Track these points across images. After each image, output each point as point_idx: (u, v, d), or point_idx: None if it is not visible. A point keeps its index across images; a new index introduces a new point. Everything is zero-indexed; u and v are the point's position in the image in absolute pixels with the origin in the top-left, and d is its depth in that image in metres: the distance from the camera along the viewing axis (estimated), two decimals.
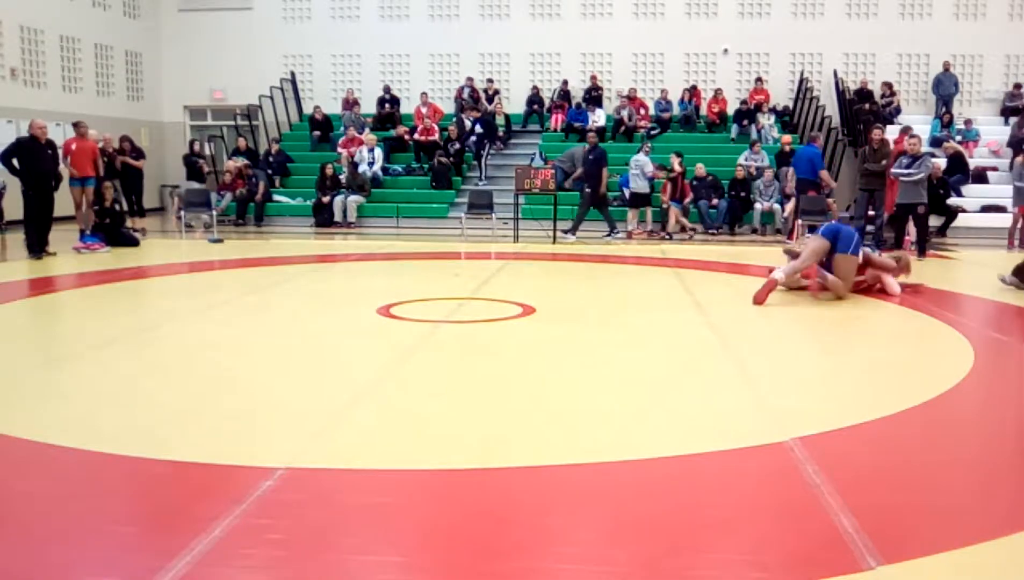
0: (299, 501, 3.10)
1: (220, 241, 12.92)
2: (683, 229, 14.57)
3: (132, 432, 3.88)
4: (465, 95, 18.55)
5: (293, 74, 19.75)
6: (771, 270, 8.02)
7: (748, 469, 3.53)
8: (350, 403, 4.40)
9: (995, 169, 16.48)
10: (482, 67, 19.61)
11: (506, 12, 19.52)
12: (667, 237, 14.19)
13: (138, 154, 14.94)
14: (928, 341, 6.28)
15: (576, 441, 3.84)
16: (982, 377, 5.13)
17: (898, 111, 17.96)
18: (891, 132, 15.30)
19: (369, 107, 18.86)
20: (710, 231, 14.80)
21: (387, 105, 18.76)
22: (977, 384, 4.98)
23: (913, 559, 2.68)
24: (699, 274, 9.72)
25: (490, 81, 19.15)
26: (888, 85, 18.19)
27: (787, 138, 16.52)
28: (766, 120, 17.75)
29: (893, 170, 11.91)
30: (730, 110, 18.37)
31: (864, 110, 17.10)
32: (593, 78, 18.89)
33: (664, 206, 14.67)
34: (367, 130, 17.93)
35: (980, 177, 16.32)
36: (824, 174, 14.38)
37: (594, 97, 18.43)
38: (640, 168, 14.48)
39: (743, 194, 15.11)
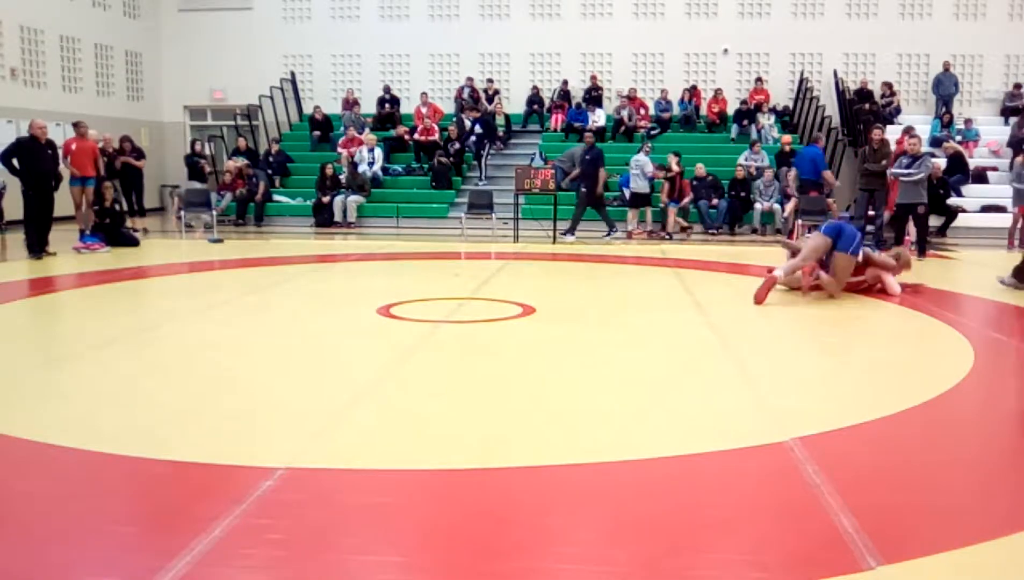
0: (299, 501, 3.10)
1: (220, 241, 12.92)
2: (682, 229, 14.57)
3: (132, 432, 3.88)
4: (465, 95, 18.54)
5: (293, 74, 19.75)
6: (770, 270, 8.03)
7: (748, 469, 3.53)
8: (350, 403, 4.40)
9: (995, 169, 16.48)
10: (482, 67, 19.61)
11: (506, 12, 19.52)
12: (667, 237, 14.19)
13: (138, 154, 14.94)
14: (928, 341, 6.28)
15: (576, 441, 3.84)
16: (982, 377, 5.13)
17: (898, 111, 17.96)
18: (891, 132, 15.29)
19: (369, 107, 18.86)
20: (710, 231, 14.80)
21: (387, 105, 18.76)
22: (977, 384, 4.98)
23: (913, 559, 2.68)
24: (699, 274, 9.72)
25: (490, 81, 19.15)
26: (888, 85, 18.19)
27: (787, 138, 16.52)
28: (766, 120, 17.75)
29: (893, 170, 11.92)
30: (730, 110, 18.37)
31: (864, 110, 17.10)
32: (593, 78, 18.90)
33: (662, 206, 14.68)
34: (367, 130, 17.93)
35: (980, 177, 16.32)
36: (828, 174, 14.41)
37: (594, 97, 18.43)
38: (640, 168, 14.49)
39: (743, 194, 15.11)
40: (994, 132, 17.55)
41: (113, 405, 4.39)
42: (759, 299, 7.46)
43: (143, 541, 2.84)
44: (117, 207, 12.54)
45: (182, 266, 10.49)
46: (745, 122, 17.74)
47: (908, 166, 11.43)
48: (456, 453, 3.66)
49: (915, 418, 4.23)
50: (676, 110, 18.46)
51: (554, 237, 13.34)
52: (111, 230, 11.96)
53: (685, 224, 14.64)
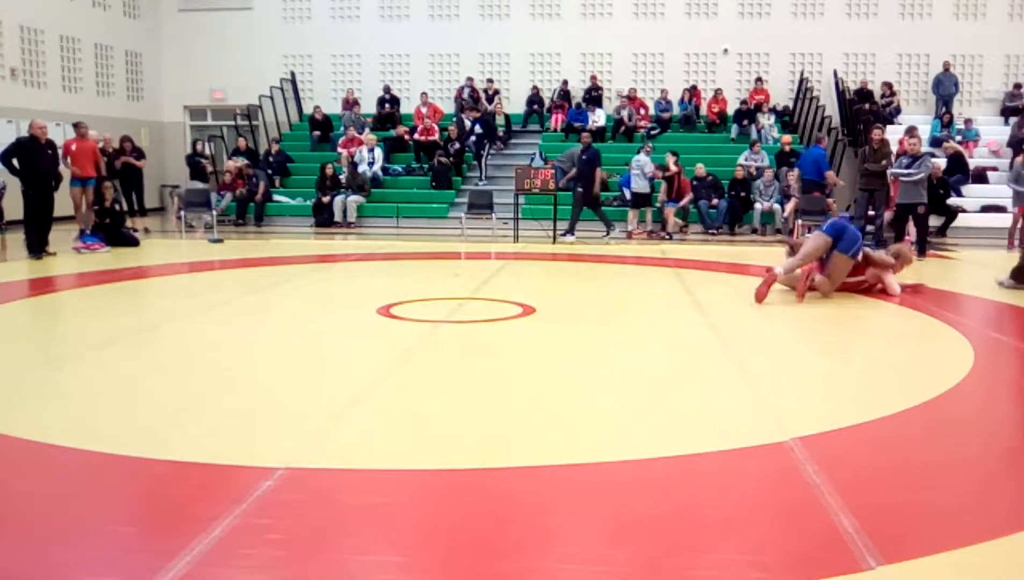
0: (299, 501, 3.10)
1: (220, 241, 12.92)
2: (681, 229, 14.56)
3: (132, 432, 3.88)
4: (465, 95, 18.55)
5: (293, 74, 19.75)
6: (769, 270, 8.02)
7: (748, 469, 3.53)
8: (350, 403, 4.40)
9: (995, 169, 16.48)
10: (482, 67, 19.61)
11: (506, 12, 19.52)
12: (667, 237, 14.19)
13: (139, 154, 14.95)
14: (928, 341, 6.28)
15: (576, 441, 3.84)
16: (982, 377, 5.13)
17: (898, 111, 17.97)
18: (891, 132, 15.29)
19: (369, 107, 18.86)
20: (710, 231, 14.80)
21: (387, 105, 18.76)
22: (977, 384, 4.98)
23: (913, 559, 2.68)
24: (699, 274, 9.72)
25: (490, 81, 19.15)
26: (888, 85, 18.19)
27: (787, 138, 16.53)
28: (766, 120, 17.75)
29: (893, 170, 11.93)
30: (730, 110, 18.37)
31: (864, 110, 17.10)
32: (593, 78, 18.90)
33: (658, 205, 14.67)
34: (367, 130, 17.93)
35: (980, 177, 16.32)
36: (830, 175, 14.46)
37: (594, 97, 18.43)
38: (640, 168, 14.49)
39: (743, 194, 15.11)
40: (994, 132, 17.55)
41: (113, 405, 4.39)
42: (759, 297, 7.47)
43: (143, 541, 2.84)
44: (117, 207, 12.54)
45: (182, 266, 10.49)
46: (745, 122, 17.74)
47: (908, 166, 11.43)
48: (456, 453, 3.66)
49: (915, 418, 4.23)
50: (676, 110, 18.46)
51: (554, 237, 13.34)
52: (111, 230, 11.96)
53: (682, 223, 14.62)
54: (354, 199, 15.75)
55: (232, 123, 18.77)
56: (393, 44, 19.79)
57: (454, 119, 17.76)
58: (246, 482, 3.23)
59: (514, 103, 19.19)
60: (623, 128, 17.90)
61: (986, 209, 15.34)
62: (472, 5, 19.53)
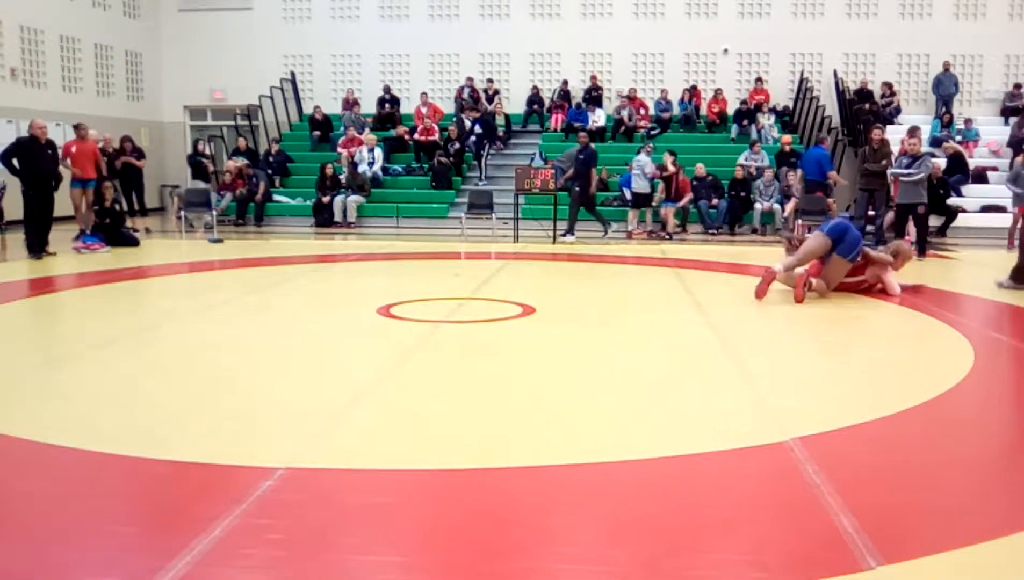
0: (299, 501, 3.10)
1: (220, 241, 12.92)
2: (677, 228, 14.53)
3: (132, 432, 3.88)
4: (465, 95, 18.55)
5: (293, 74, 19.75)
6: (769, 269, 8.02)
7: (748, 469, 3.53)
8: (350, 403, 4.40)
9: (995, 169, 16.48)
10: (482, 67, 19.61)
11: (506, 12, 19.52)
12: (667, 237, 14.19)
13: (139, 154, 14.95)
14: (928, 341, 6.28)
15: (576, 441, 3.84)
16: (982, 377, 5.13)
17: (898, 111, 17.97)
18: (891, 132, 15.29)
19: (369, 107, 18.86)
20: (710, 231, 14.80)
21: (387, 105, 18.76)
22: (977, 384, 4.97)
23: (913, 559, 2.68)
24: (699, 274, 9.72)
25: (490, 81, 19.15)
26: (888, 85, 18.19)
27: (787, 138, 16.53)
28: (766, 120, 17.75)
29: (893, 170, 11.93)
30: (730, 110, 18.37)
31: (864, 110, 17.10)
32: (593, 78, 18.89)
33: (654, 205, 14.66)
34: (367, 130, 17.93)
35: (980, 177, 16.32)
36: (833, 175, 14.48)
37: (594, 97, 18.43)
38: (641, 168, 14.50)
39: (743, 194, 15.11)
40: (994, 132, 17.55)
41: (113, 405, 4.39)
42: (759, 294, 7.49)
43: (143, 541, 2.84)
44: (117, 207, 12.54)
45: (182, 266, 10.49)
46: (745, 122, 17.74)
47: (908, 166, 11.43)
48: (456, 453, 3.66)
49: (915, 418, 4.23)
50: (676, 110, 18.46)
51: (554, 237, 13.34)
52: (111, 230, 11.96)
53: (677, 224, 14.59)
54: (354, 199, 15.75)
55: (232, 123, 18.77)
56: (393, 44, 19.79)
57: (454, 119, 17.76)
58: (246, 482, 3.23)
59: (514, 103, 19.19)
60: (623, 128, 17.90)
61: (986, 209, 15.34)
62: (472, 5, 19.53)
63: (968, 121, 17.66)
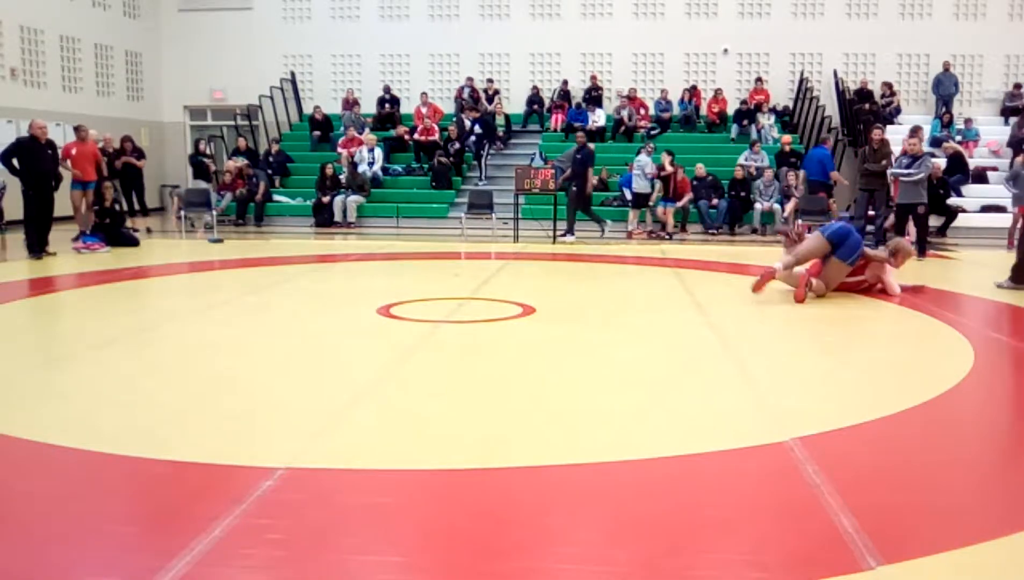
0: (299, 501, 3.10)
1: (220, 241, 12.92)
2: (674, 227, 14.51)
3: (132, 432, 3.88)
4: (465, 95, 18.55)
5: (293, 74, 19.75)
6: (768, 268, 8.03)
7: (748, 469, 3.53)
8: (350, 403, 4.40)
9: (995, 169, 16.48)
10: (482, 67, 19.61)
11: (506, 12, 19.52)
12: (667, 237, 14.19)
13: (139, 154, 14.96)
14: (928, 341, 6.28)
15: (576, 441, 3.84)
16: (982, 377, 5.13)
17: (898, 111, 17.97)
18: (891, 132, 15.29)
19: (369, 107, 18.86)
20: (710, 231, 14.80)
21: (387, 105, 18.76)
22: (977, 384, 4.97)
23: (913, 559, 2.68)
24: (699, 274, 9.72)
25: (490, 81, 19.15)
26: (888, 85, 18.19)
27: (787, 138, 16.54)
28: (766, 120, 17.75)
29: (893, 170, 11.93)
30: (730, 110, 18.37)
31: (864, 110, 17.10)
32: (593, 78, 18.89)
33: (650, 204, 14.65)
34: (367, 130, 17.93)
35: (980, 177, 16.32)
36: (835, 175, 14.48)
37: (594, 97, 18.43)
38: (642, 169, 14.50)
39: (743, 194, 15.11)
40: (994, 132, 17.55)
41: (113, 405, 4.39)
42: (756, 289, 7.54)
43: (143, 541, 2.84)
44: (117, 207, 12.54)
45: (182, 266, 10.48)
46: (745, 122, 17.74)
47: (908, 166, 11.43)
48: (456, 453, 3.66)
49: (915, 418, 4.23)
50: (676, 110, 18.46)
51: (554, 237, 13.34)
52: (111, 230, 11.96)
53: (676, 223, 14.57)
54: (354, 199, 15.75)
55: (232, 123, 18.77)
56: (393, 44, 19.79)
57: (454, 119, 17.75)
58: (246, 482, 3.23)
59: (514, 103, 19.19)
60: (623, 128, 17.90)
61: (986, 209, 15.34)
62: (472, 5, 19.53)
63: (968, 121, 17.67)
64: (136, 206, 14.80)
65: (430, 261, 10.99)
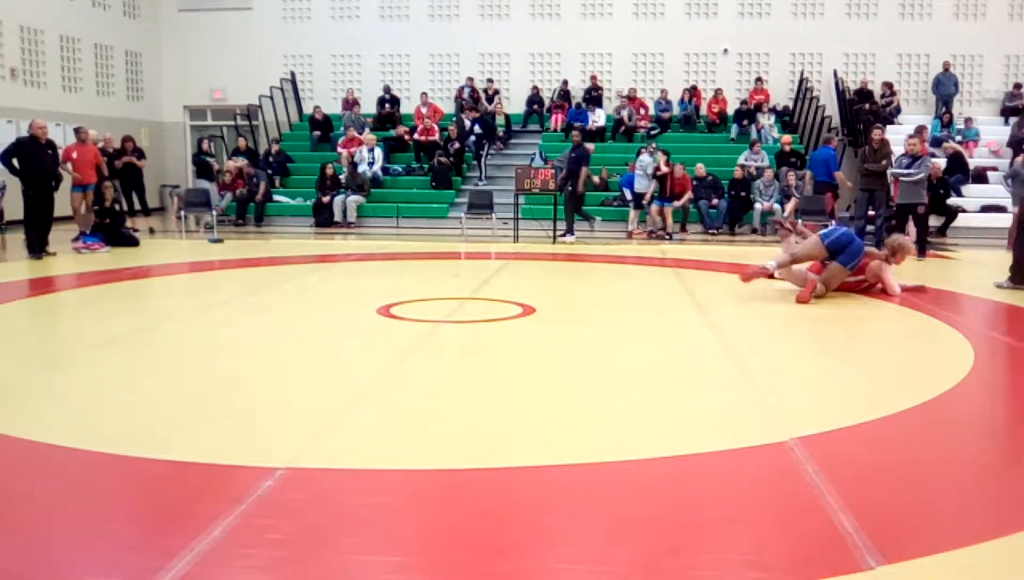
0: (299, 501, 3.10)
1: (220, 241, 12.92)
2: (672, 227, 14.49)
3: (132, 432, 3.88)
4: (465, 95, 18.55)
5: (293, 74, 19.75)
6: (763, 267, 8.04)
7: (748, 469, 3.53)
8: (350, 403, 4.40)
9: (995, 169, 16.47)
10: (482, 67, 19.61)
11: (506, 12, 19.52)
12: (667, 237, 14.19)
13: (139, 154, 14.96)
14: (928, 341, 6.28)
15: (576, 441, 3.84)
16: (982, 377, 5.13)
17: (898, 111, 17.97)
18: (891, 132, 15.29)
19: (369, 107, 18.86)
20: (710, 231, 14.80)
21: (387, 105, 18.76)
22: (977, 384, 4.97)
23: (913, 559, 2.68)
24: (699, 274, 9.72)
25: (490, 81, 19.15)
26: (888, 85, 18.19)
27: (787, 138, 16.54)
28: (766, 120, 17.75)
29: (892, 170, 11.93)
30: (730, 110, 18.37)
31: (864, 110, 17.10)
32: (593, 78, 18.89)
33: (645, 202, 14.64)
34: (367, 130, 17.93)
35: (980, 177, 16.32)
36: (839, 175, 14.47)
37: (594, 97, 18.43)
38: (643, 169, 14.50)
39: (743, 194, 15.11)
40: (994, 132, 17.55)
41: (113, 405, 4.39)
42: (745, 279, 7.73)
43: (143, 541, 2.84)
44: (117, 207, 12.54)
45: (182, 266, 10.48)
46: (745, 122, 17.74)
47: (908, 166, 11.44)
48: (456, 453, 3.66)
49: (915, 418, 4.23)
50: (676, 110, 18.46)
51: (554, 237, 13.34)
52: (111, 230, 11.96)
53: (669, 222, 14.53)
54: (354, 199, 15.74)
55: (232, 123, 18.76)
56: (393, 44, 19.79)
57: (454, 119, 17.75)
58: (246, 482, 3.23)
59: (514, 103, 19.18)
60: (623, 128, 17.89)
61: (986, 209, 15.34)
62: (472, 5, 19.53)
63: (968, 121, 17.67)
64: (137, 206, 14.79)
65: (430, 261, 10.99)
